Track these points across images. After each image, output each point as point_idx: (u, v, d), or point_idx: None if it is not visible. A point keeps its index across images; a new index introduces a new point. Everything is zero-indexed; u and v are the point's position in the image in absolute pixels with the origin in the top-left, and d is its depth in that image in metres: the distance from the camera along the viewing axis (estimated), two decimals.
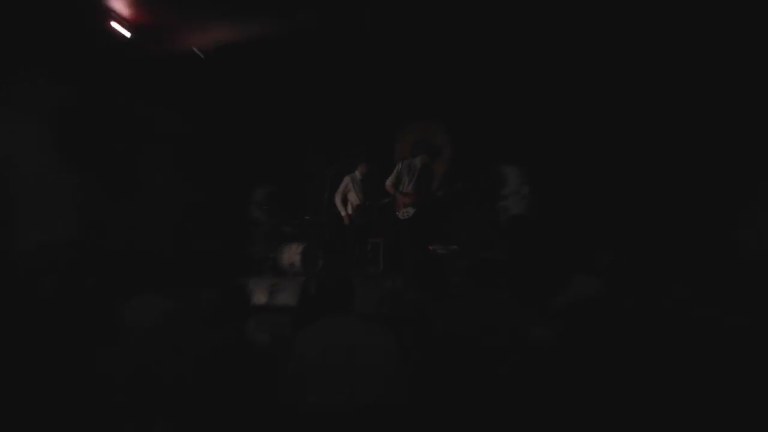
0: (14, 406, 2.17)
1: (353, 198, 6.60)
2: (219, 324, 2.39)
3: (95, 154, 6.07)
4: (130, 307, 2.83)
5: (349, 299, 2.46)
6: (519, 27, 5.26)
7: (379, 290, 5.25)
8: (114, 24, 4.80)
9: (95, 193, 6.21)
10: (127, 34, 4.89)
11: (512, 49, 5.89)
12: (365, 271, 6.88)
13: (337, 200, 6.61)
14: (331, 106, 7.66)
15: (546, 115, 6.77)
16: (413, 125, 7.54)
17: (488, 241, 6.57)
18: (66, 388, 2.37)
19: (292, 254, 6.58)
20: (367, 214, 6.36)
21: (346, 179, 6.59)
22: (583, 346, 2.62)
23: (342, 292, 2.38)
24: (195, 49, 5.19)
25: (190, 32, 5.21)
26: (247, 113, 8.14)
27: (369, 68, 6.55)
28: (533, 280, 5.85)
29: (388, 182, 6.01)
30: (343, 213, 6.60)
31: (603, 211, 6.40)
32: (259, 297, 5.38)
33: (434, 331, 2.67)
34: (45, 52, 5.55)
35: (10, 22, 4.66)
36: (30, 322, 2.46)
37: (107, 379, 2.75)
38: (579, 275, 3.30)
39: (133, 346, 2.76)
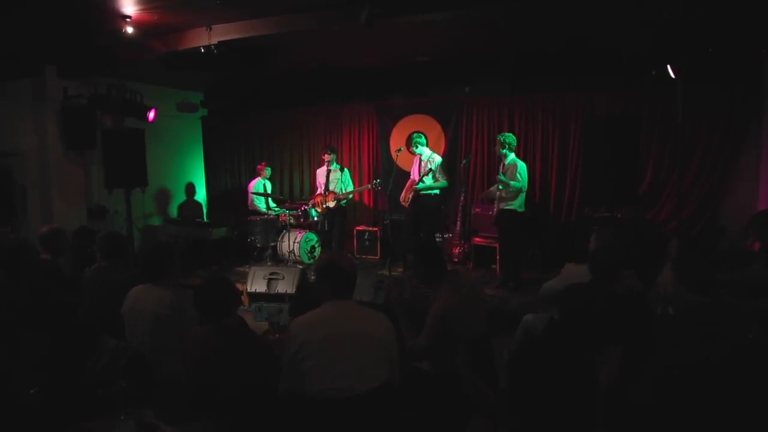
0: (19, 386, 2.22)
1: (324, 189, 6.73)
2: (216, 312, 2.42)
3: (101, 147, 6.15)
4: (130, 297, 2.88)
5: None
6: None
7: (375, 277, 5.33)
8: (120, 23, 4.79)
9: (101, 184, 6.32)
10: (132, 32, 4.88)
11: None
12: (362, 260, 6.98)
13: (319, 194, 6.73)
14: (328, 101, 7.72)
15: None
16: (409, 118, 7.57)
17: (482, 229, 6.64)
18: (70, 373, 2.43)
19: (291, 243, 6.65)
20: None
21: (318, 172, 6.75)
22: (573, 331, 2.67)
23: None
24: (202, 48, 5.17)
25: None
26: (247, 106, 8.18)
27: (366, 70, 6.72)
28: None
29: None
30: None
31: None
32: (259, 285, 5.47)
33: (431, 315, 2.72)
34: (54, 51, 5.60)
35: (21, 23, 4.66)
36: (37, 311, 2.51)
37: (107, 367, 2.80)
38: None
39: (133, 335, 2.82)
